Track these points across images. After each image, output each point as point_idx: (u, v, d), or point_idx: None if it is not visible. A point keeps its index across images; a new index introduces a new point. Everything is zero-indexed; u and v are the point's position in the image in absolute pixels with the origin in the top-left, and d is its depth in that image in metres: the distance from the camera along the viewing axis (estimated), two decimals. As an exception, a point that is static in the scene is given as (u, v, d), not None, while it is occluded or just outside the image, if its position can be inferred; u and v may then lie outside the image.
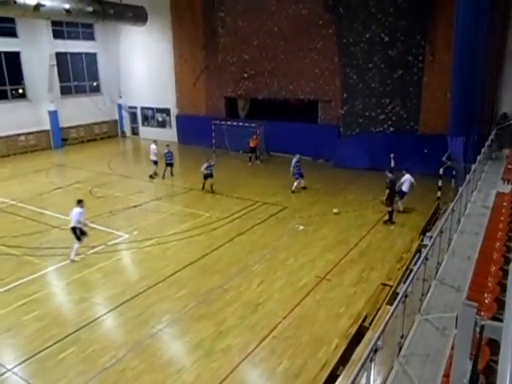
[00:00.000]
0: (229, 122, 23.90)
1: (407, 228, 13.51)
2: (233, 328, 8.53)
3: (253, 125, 22.63)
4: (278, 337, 8.21)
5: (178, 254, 12.05)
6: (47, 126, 27.07)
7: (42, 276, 10.96)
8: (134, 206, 15.91)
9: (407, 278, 6.84)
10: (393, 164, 16.60)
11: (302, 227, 13.76)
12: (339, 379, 6.39)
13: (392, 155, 17.19)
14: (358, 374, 3.93)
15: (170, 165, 19.69)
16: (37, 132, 26.64)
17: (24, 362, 7.73)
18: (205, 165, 17.20)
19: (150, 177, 19.83)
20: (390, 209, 13.83)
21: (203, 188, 17.47)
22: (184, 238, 13.07)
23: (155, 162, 19.87)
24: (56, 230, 13.82)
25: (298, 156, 17.53)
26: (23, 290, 10.17)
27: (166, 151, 19.57)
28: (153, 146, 20.06)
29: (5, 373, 7.47)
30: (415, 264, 8.84)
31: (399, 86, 19.63)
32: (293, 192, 17.13)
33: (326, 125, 22.42)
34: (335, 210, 14.92)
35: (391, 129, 20.25)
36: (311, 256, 11.69)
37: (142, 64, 29.07)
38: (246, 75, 24.17)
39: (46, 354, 7.91)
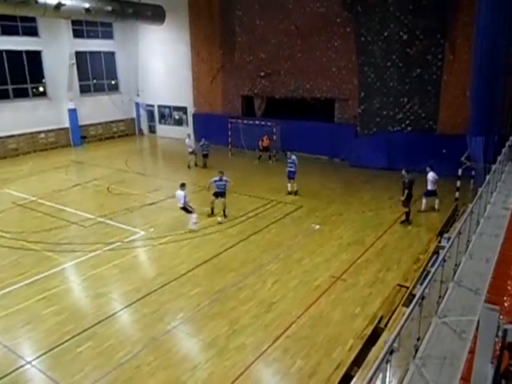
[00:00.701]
0: (245, 121, 23.91)
1: (424, 229, 13.32)
2: (246, 327, 8.54)
3: (269, 123, 22.59)
4: (291, 336, 8.18)
5: (193, 252, 12.12)
6: (67, 124, 27.50)
7: (61, 271, 11.15)
8: (151, 204, 16.06)
9: (424, 280, 6.74)
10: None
11: (317, 226, 13.69)
12: (354, 380, 6.34)
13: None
14: (373, 375, 3.89)
15: (206, 156, 21.25)
16: (56, 130, 27.09)
17: (42, 355, 7.88)
18: (215, 178, 14.54)
19: (188, 167, 21.30)
20: (407, 209, 13.66)
21: (212, 213, 14.55)
22: (198, 236, 13.13)
23: (192, 153, 21.23)
24: (74, 227, 14.04)
25: (289, 153, 17.34)
26: (43, 284, 10.36)
27: (201, 143, 21.30)
28: (188, 140, 21.60)
29: (24, 365, 7.63)
30: (432, 265, 8.72)
31: (418, 85, 19.36)
32: (294, 194, 16.92)
33: (342, 124, 22.26)
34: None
35: (409, 128, 19.98)
36: (326, 256, 11.63)
37: (160, 63, 29.30)
38: (262, 74, 24.14)
39: (64, 347, 8.05)
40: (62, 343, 8.15)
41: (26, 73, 25.65)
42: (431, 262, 10.03)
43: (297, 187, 16.90)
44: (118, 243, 12.63)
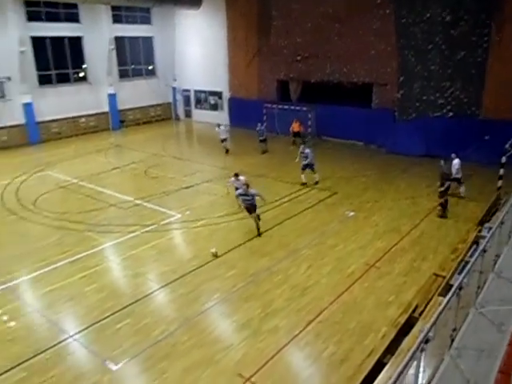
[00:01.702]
0: (280, 106, 23.74)
1: (463, 218, 12.91)
2: (280, 310, 8.63)
3: (304, 108, 22.35)
4: (324, 322, 8.21)
5: (228, 235, 12.28)
6: (106, 109, 28.19)
7: (101, 251, 11.58)
8: (187, 187, 16.32)
9: (462, 270, 6.58)
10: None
11: (352, 213, 13.54)
12: (386, 367, 6.31)
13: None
14: (407, 364, 3.86)
15: (263, 141, 21.09)
16: (97, 114, 27.83)
17: (84, 329, 8.26)
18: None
19: (227, 152, 21.15)
20: (442, 200, 13.22)
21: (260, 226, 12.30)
22: (233, 220, 13.27)
23: (224, 140, 21.04)
24: (113, 209, 14.50)
25: (302, 146, 16.56)
26: (84, 262, 10.80)
27: (257, 128, 21.04)
28: (218, 129, 21.32)
29: (67, 338, 8.03)
30: (471, 255, 8.49)
31: (461, 69, 18.53)
32: (315, 184, 16.37)
33: (380, 109, 21.69)
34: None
35: (450, 114, 19.23)
36: (361, 243, 11.51)
37: (196, 47, 29.40)
38: (298, 58, 23.79)
39: (104, 323, 8.40)
40: (102, 319, 8.51)
41: (68, 58, 26.38)
42: (470, 252, 9.75)
43: (318, 178, 16.39)
44: (155, 225, 12.96)
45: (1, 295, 9.47)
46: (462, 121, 18.71)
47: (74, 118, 26.70)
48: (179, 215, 13.73)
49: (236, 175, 13.71)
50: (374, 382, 6.10)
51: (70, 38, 26.10)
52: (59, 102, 25.76)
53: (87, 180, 17.60)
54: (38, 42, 24.64)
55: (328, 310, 8.56)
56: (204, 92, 30.17)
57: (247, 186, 12.19)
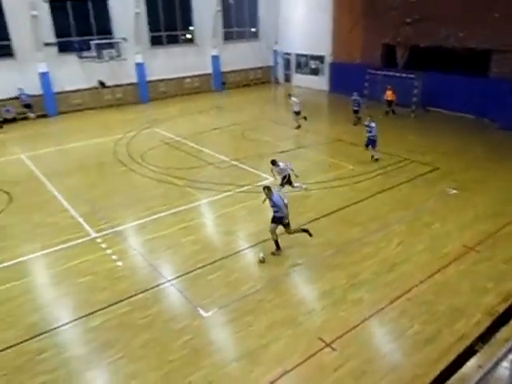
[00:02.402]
0: (384, 72, 22.38)
1: None
2: (366, 282, 8.48)
3: (410, 76, 20.81)
4: (412, 300, 7.91)
5: (319, 202, 12.20)
6: (210, 70, 29.02)
7: (198, 206, 12.27)
8: (281, 152, 16.39)
9: None
10: None
11: (453, 191, 12.58)
12: (478, 355, 5.95)
13: None
14: (504, 355, 3.59)
15: (356, 112, 19.65)
16: (200, 75, 28.80)
17: (180, 276, 8.94)
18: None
19: (298, 127, 19.73)
20: None
21: (278, 248, 9.64)
22: (325, 187, 13.12)
23: (297, 113, 19.35)
24: (211, 167, 15.14)
25: (369, 119, 15.15)
26: (183, 215, 11.55)
27: (352, 97, 19.69)
28: (290, 100, 19.65)
29: (165, 283, 8.77)
30: None
31: None
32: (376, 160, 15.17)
33: (498, 79, 19.39)
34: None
35: None
36: (460, 223, 10.71)
37: (301, 10, 28.60)
38: (409, 20, 21.99)
39: (197, 273, 8.99)
40: (196, 269, 9.11)
41: (178, 20, 27.36)
42: None
43: (380, 156, 15.19)
44: (249, 186, 13.31)
45: (111, 238, 10.56)
46: None
47: (179, 78, 27.94)
48: (272, 178, 13.89)
49: (273, 163, 12.03)
50: (461, 367, 5.80)
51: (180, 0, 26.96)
52: (167, 63, 27.06)
53: (189, 138, 18.51)
54: (150, 3, 25.85)
55: (417, 289, 8.21)
56: (305, 56, 29.50)
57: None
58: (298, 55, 30.06)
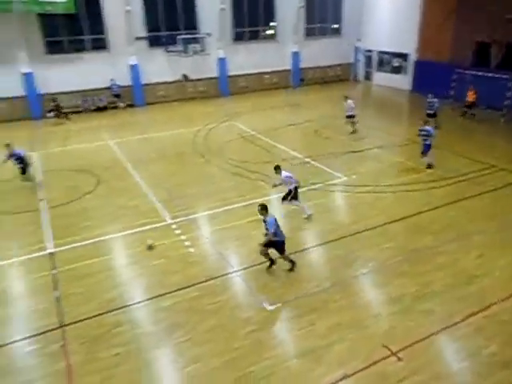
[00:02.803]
0: (474, 72, 20.84)
1: None
2: (438, 293, 8.02)
3: (504, 76, 19.20)
4: (490, 317, 7.34)
5: (391, 206, 11.74)
6: (288, 66, 29.00)
7: (269, 200, 12.35)
8: (355, 151, 15.99)
9: None
10: None
11: (545, 205, 11.46)
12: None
13: None
14: None
15: (431, 116, 17.58)
16: (279, 71, 28.88)
17: (246, 268, 9.10)
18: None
19: (353, 132, 18.29)
20: None
21: (271, 264, 8.93)
22: (399, 191, 12.58)
23: (350, 117, 18.17)
24: (284, 163, 15.06)
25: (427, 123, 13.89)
26: (254, 208, 11.44)
27: (428, 99, 18.25)
28: (345, 103, 18.41)
29: (232, 272, 8.98)
30: None
31: None
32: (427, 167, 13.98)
33: None
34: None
35: None
36: (552, 240, 9.73)
37: (387, 5, 27.53)
38: (510, 16, 20.20)
39: (264, 267, 9.02)
40: (263, 263, 9.16)
41: (261, 16, 27.63)
42: None
43: (433, 161, 14.04)
44: (321, 184, 13.15)
45: (185, 225, 11.00)
46: None
47: (259, 73, 28.25)
48: (345, 178, 13.62)
49: (277, 168, 10.86)
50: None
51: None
52: (248, 58, 27.48)
53: (264, 133, 18.69)
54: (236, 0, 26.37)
55: (497, 306, 7.60)
56: (388, 53, 28.40)
57: (263, 211, 8.54)
58: (380, 52, 29.02)
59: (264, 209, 8.47)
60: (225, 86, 27.32)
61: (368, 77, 30.55)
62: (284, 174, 10.79)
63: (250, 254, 9.59)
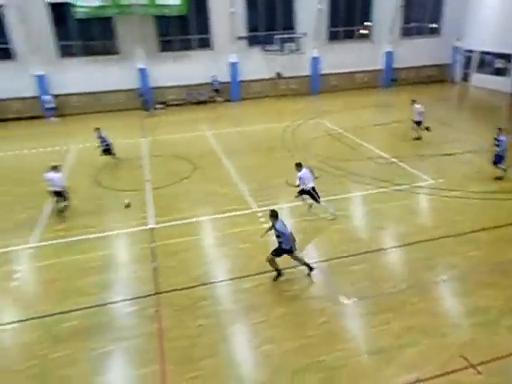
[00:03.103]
0: None
1: None
2: (528, 311, 7.21)
3: None
4: None
5: (479, 213, 10.72)
6: (381, 66, 27.72)
7: (350, 198, 12.04)
8: (445, 155, 14.85)
9: None
10: None
11: None
12: None
13: None
14: None
15: None
16: (371, 71, 27.74)
17: (325, 261, 8.95)
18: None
19: (417, 138, 16.71)
20: None
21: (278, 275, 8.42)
22: (489, 198, 11.44)
23: (418, 123, 16.51)
24: (369, 162, 14.60)
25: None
26: (335, 204, 11.38)
27: None
28: (413, 107, 16.71)
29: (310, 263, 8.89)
30: None
31: None
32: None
33: None
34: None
35: None
36: None
37: (493, 3, 24.94)
38: None
39: (342, 261, 8.86)
40: (341, 257, 8.98)
41: (356, 16, 26.69)
42: None
43: (503, 174, 12.43)
44: (406, 186, 12.44)
45: (266, 214, 11.08)
46: None
47: (350, 73, 27.41)
48: (432, 181, 12.74)
49: (298, 165, 10.47)
50: None
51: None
52: (341, 57, 26.77)
53: (351, 132, 18.14)
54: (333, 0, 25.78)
55: None
56: (490, 54, 25.78)
57: (272, 216, 7.99)
58: (481, 53, 26.45)
59: (272, 215, 7.97)
60: (316, 85, 26.96)
61: (466, 78, 28.07)
62: (303, 172, 10.35)
63: (329, 247, 9.47)
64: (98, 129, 15.34)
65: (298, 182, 10.53)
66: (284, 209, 11.50)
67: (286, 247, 7.99)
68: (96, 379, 6.31)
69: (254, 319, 7.35)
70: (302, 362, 6.36)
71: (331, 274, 8.52)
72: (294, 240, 8.05)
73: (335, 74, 27.17)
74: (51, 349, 6.86)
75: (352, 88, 27.51)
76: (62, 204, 11.46)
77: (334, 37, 26.73)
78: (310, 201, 10.83)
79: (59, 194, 11.35)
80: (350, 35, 27.13)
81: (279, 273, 8.33)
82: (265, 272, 8.55)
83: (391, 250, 9.40)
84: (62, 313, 7.68)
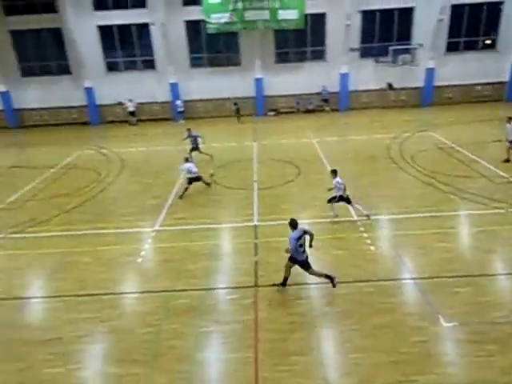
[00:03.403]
0: None
1: None
2: None
3: None
4: None
5: None
6: (505, 79, 24.61)
7: (459, 216, 10.90)
8: None
9: None
10: None
11: None
12: None
13: None
14: None
15: None
16: (493, 83, 24.80)
17: (425, 278, 8.24)
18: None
19: (506, 160, 14.31)
20: None
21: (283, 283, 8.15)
22: None
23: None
24: (484, 180, 13.07)
25: None
26: (441, 221, 10.46)
27: None
28: (508, 125, 14.09)
29: (408, 279, 8.26)
30: None
31: None
32: None
33: None
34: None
35: None
36: None
37: None
38: None
39: (444, 281, 8.08)
40: (443, 277, 8.20)
41: (481, 26, 24.11)
42: None
43: None
44: (527, 208, 10.86)
45: (369, 223, 10.61)
46: None
47: (468, 85, 24.88)
48: None
49: (333, 172, 10.74)
50: None
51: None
52: (460, 68, 24.49)
53: (464, 146, 16.44)
54: (456, 10, 23.58)
55: None
56: None
57: (290, 224, 7.89)
58: None
59: (290, 224, 7.79)
60: (428, 96, 25.00)
61: None
62: (337, 179, 10.56)
63: (431, 264, 8.68)
64: (189, 129, 16.61)
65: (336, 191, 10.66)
66: (385, 220, 10.89)
67: (298, 258, 7.71)
68: (197, 355, 6.69)
69: (348, 325, 7.08)
70: (392, 378, 5.94)
71: (432, 292, 7.81)
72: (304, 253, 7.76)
73: (450, 85, 24.88)
74: (164, 320, 7.48)
75: (469, 101, 24.91)
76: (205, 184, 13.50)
77: (452, 47, 24.49)
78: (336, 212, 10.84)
79: (197, 179, 13.14)
80: (472, 46, 24.57)
81: (284, 282, 8.05)
82: (360, 281, 8.20)
83: (501, 276, 8.27)
84: (175, 290, 8.34)
